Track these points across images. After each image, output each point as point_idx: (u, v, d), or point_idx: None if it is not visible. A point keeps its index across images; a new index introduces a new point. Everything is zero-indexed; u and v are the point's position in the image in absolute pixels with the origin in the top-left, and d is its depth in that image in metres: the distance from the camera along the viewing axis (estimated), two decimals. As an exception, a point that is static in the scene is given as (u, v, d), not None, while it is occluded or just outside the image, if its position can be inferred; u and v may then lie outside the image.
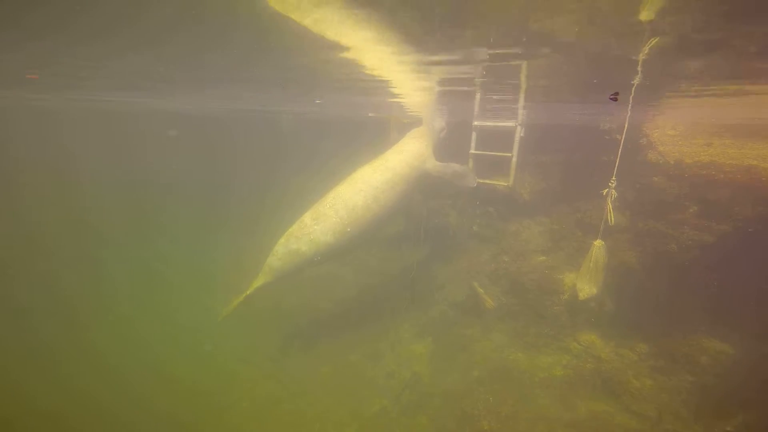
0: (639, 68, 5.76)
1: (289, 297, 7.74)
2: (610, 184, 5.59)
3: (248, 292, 5.84)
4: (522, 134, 7.45)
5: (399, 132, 9.89)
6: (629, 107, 6.72)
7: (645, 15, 3.26)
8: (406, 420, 5.11)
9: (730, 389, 4.74)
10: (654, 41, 4.26)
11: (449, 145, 8.41)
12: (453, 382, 5.57)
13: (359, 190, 6.09)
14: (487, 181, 7.80)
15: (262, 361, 6.61)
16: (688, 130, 7.62)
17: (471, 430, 4.71)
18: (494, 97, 7.73)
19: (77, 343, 7.03)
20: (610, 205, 5.61)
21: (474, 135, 7.86)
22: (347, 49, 4.63)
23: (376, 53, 4.87)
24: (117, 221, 13.13)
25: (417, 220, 8.92)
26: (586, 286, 6.01)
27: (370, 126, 11.44)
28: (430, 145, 7.48)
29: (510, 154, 7.42)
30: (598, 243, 5.78)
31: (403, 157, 6.79)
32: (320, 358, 6.61)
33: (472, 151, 7.87)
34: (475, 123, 7.78)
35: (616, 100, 6.64)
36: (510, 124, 7.41)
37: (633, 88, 6.29)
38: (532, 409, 4.88)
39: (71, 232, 12.27)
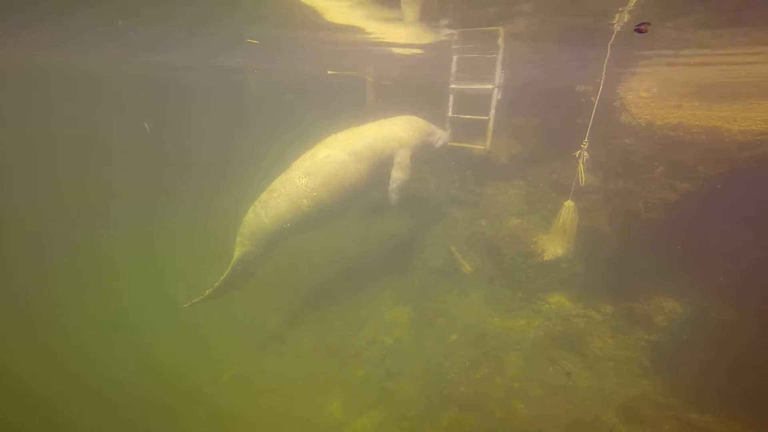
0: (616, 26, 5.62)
1: (267, 264, 7.68)
2: (582, 145, 5.68)
3: (224, 276, 5.79)
4: (499, 97, 7.30)
5: (377, 96, 9.46)
6: (604, 69, 6.63)
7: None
8: (389, 384, 5.44)
9: (678, 347, 5.23)
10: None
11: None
12: (432, 347, 5.88)
13: (329, 158, 5.83)
14: (465, 145, 7.74)
15: (242, 331, 6.72)
16: (661, 91, 7.62)
17: (449, 393, 5.08)
18: (472, 56, 7.45)
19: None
20: (581, 166, 5.73)
21: (451, 98, 7.66)
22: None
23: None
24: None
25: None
26: (553, 247, 6.25)
27: (343, 89, 10.77)
28: (414, 140, 6.67)
29: (487, 117, 7.33)
30: (568, 203, 5.93)
31: (382, 133, 6.37)
32: (302, 326, 6.79)
33: (450, 114, 7.72)
34: (452, 86, 7.56)
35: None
36: (487, 86, 7.21)
37: (608, 47, 6.16)
38: (505, 370, 5.27)
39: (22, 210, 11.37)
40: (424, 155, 7.19)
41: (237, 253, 5.88)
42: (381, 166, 6.25)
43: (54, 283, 8.17)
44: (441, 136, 7.21)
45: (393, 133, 6.47)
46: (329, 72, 10.54)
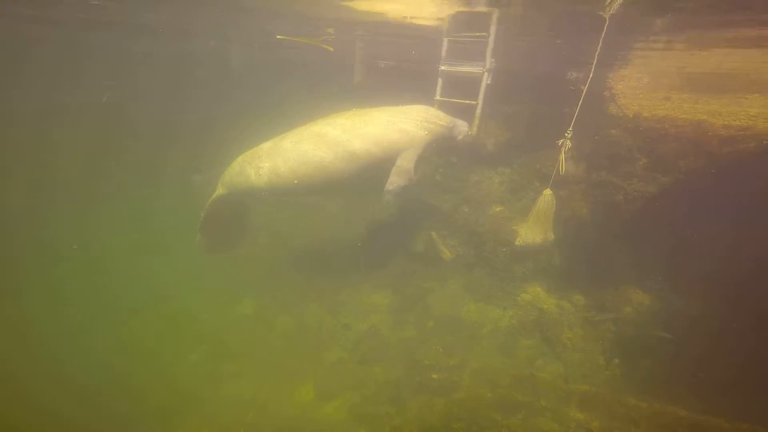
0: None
1: (244, 243, 7.55)
2: (566, 134, 5.63)
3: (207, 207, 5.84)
4: (489, 81, 7.12)
5: (365, 73, 9.15)
6: (595, 57, 6.48)
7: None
8: (362, 369, 5.49)
9: (642, 340, 5.39)
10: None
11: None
12: (408, 333, 5.94)
13: (315, 156, 5.26)
14: (452, 130, 7.60)
15: (215, 310, 6.68)
16: (652, 82, 7.53)
17: (421, 379, 5.17)
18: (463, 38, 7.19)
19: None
20: (563, 156, 5.70)
21: (440, 81, 7.45)
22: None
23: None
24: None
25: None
26: (528, 235, 6.28)
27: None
28: (428, 137, 5.76)
29: (475, 102, 7.17)
30: (546, 192, 5.93)
31: (390, 132, 5.49)
32: (277, 307, 6.77)
33: (437, 97, 7.52)
34: (442, 68, 7.33)
35: None
36: (477, 70, 7.01)
37: (602, 34, 6.00)
38: (478, 358, 5.38)
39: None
40: (441, 149, 6.51)
41: (217, 193, 5.85)
42: (377, 169, 5.53)
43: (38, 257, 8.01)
44: (461, 129, 6.34)
45: (404, 132, 5.51)
46: (278, 36, 9.10)
